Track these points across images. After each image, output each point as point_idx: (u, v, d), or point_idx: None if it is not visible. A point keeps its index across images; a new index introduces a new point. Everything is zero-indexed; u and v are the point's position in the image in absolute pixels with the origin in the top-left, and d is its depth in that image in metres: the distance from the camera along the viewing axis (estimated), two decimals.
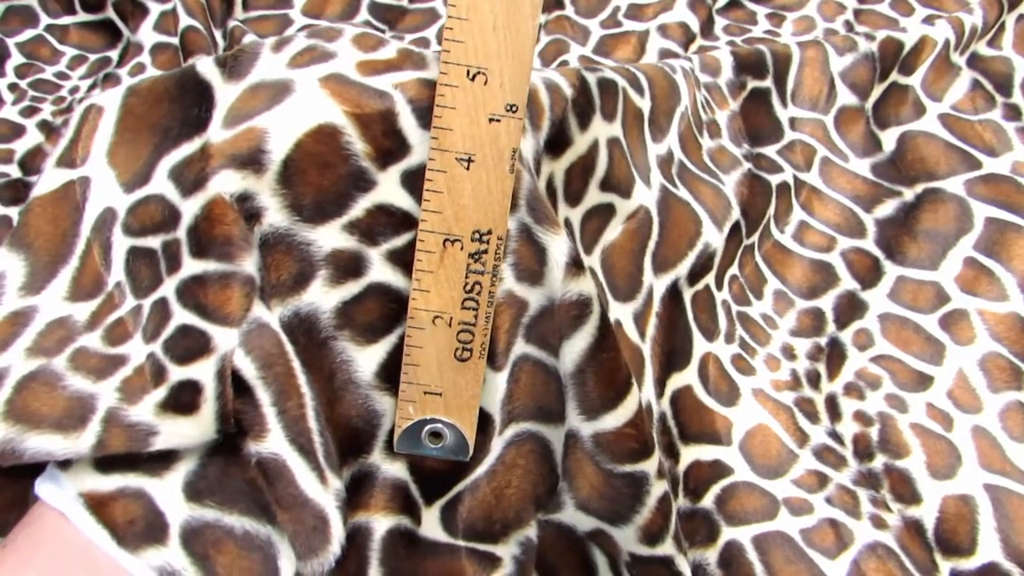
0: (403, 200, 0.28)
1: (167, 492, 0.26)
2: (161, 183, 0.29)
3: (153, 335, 0.27)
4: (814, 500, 0.37)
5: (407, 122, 0.28)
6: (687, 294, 0.40)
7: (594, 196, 0.36)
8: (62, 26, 0.59)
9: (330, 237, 0.28)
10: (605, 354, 0.30)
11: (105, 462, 0.26)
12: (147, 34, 0.56)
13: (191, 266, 0.27)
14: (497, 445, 0.30)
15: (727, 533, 0.35)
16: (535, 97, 0.32)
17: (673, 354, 0.39)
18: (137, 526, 0.25)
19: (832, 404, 0.41)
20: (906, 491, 0.37)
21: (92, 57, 0.58)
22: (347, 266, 0.28)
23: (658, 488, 0.31)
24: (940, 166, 0.49)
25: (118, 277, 0.29)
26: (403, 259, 0.28)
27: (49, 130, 0.52)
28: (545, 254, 0.29)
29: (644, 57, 0.56)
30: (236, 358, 0.26)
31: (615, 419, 0.30)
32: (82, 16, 0.59)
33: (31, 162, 0.51)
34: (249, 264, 0.27)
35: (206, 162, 0.27)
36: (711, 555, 0.35)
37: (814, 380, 0.42)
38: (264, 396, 0.26)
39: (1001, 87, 0.53)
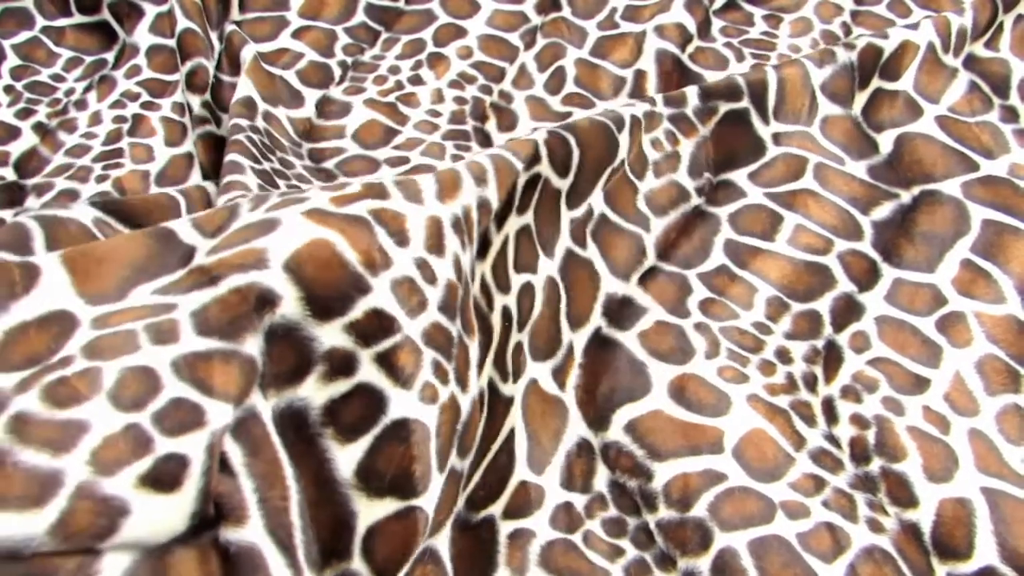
0: (392, 306, 0.31)
1: None
2: (145, 298, 0.29)
3: (135, 405, 0.25)
4: (811, 504, 0.37)
5: (385, 239, 0.31)
6: (622, 336, 0.43)
7: (515, 280, 0.40)
8: (58, 28, 0.59)
9: (331, 335, 0.29)
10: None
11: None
12: (143, 36, 0.56)
13: (193, 342, 0.27)
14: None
15: (721, 539, 0.35)
16: (469, 217, 0.35)
17: (615, 391, 0.41)
18: None
19: (829, 407, 0.41)
20: (903, 494, 0.37)
21: (88, 59, 0.58)
22: (340, 364, 0.30)
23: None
24: (937, 168, 0.49)
25: (67, 353, 0.27)
26: (387, 361, 0.30)
27: (44, 132, 0.52)
28: (471, 359, 0.32)
29: (641, 57, 0.56)
30: (225, 442, 0.26)
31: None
32: (78, 18, 0.59)
33: (26, 164, 0.51)
34: (253, 347, 0.27)
35: (207, 273, 0.28)
36: (703, 563, 0.35)
37: (811, 383, 0.42)
38: (247, 483, 0.26)
39: (998, 89, 0.52)
